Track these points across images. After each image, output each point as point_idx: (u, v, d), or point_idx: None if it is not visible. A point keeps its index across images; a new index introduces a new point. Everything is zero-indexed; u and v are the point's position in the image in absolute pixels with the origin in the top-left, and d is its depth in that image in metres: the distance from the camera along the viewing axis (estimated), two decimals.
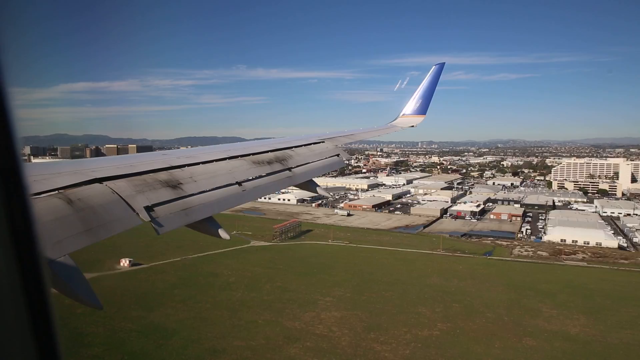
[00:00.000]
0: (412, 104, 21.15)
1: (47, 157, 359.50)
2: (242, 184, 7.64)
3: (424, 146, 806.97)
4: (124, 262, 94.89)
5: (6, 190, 1.45)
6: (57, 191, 4.76)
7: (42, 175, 5.08)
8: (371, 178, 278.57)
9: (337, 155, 11.85)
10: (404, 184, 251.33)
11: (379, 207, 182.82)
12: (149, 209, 5.52)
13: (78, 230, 4.48)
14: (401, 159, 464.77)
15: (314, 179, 10.17)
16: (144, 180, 6.02)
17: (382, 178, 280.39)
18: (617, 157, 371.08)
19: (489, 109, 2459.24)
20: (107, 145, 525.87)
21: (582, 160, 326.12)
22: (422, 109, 21.04)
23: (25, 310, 1.48)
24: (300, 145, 11.03)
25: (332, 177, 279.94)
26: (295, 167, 9.57)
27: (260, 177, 8.36)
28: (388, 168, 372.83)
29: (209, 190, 6.82)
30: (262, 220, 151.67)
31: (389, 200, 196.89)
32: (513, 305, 77.12)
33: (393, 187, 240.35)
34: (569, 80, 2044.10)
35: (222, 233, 6.57)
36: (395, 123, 20.55)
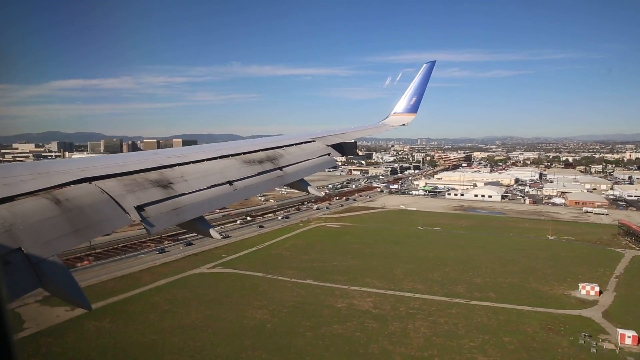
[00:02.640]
0: (403, 102, 21.22)
1: (85, 153, 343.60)
2: (233, 183, 7.61)
3: (423, 143, 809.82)
4: (589, 289, 70.78)
5: None
6: (45, 191, 4.72)
7: (30, 174, 5.02)
8: (482, 172, 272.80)
9: (328, 154, 11.87)
10: (537, 179, 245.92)
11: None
12: (139, 208, 5.48)
13: (66, 230, 4.44)
14: (464, 154, 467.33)
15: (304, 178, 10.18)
16: (134, 180, 5.98)
17: (511, 172, 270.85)
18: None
19: (483, 106, 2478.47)
20: (145, 140, 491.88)
21: None
22: (413, 108, 21.11)
23: None
24: (291, 145, 11.01)
25: (448, 171, 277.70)
26: (286, 167, 9.55)
27: (252, 176, 8.34)
28: (476, 163, 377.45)
29: (200, 190, 6.78)
30: (528, 222, 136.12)
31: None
32: None
33: (535, 182, 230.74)
34: (563, 77, 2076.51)
35: (214, 233, 6.55)
36: (386, 122, 20.59)
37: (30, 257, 3.84)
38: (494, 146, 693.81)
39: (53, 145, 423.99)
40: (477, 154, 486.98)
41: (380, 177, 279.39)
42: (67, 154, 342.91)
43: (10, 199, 4.34)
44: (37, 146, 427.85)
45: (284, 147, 10.53)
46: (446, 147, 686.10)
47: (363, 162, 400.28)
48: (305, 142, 11.84)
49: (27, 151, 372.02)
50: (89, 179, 5.38)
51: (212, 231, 6.55)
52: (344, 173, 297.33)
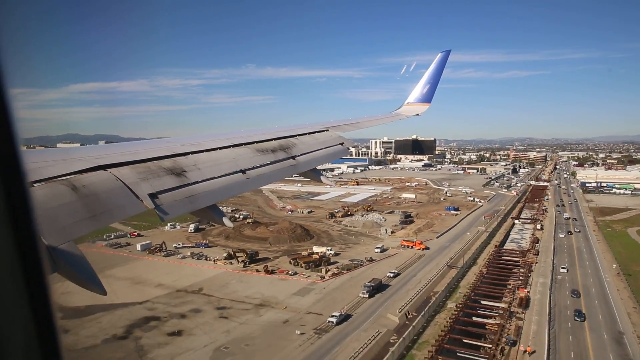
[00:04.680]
0: (417, 91, 20.87)
1: None
2: (246, 172, 7.64)
3: (442, 144, 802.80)
4: None
5: (5, 179, 1.47)
6: (62, 178, 4.78)
7: (47, 161, 5.09)
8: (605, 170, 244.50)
9: (341, 143, 11.80)
10: None
11: None
12: (153, 196, 5.54)
13: (82, 216, 4.51)
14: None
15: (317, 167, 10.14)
16: (148, 168, 6.03)
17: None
18: None
19: (500, 107, 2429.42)
20: None
21: None
22: (427, 97, 20.75)
23: (26, 299, 1.50)
24: (305, 134, 10.97)
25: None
26: (299, 156, 9.54)
27: (264, 165, 8.35)
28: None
29: (213, 178, 6.82)
30: None
31: None
32: None
33: None
34: (581, 78, 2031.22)
35: (226, 221, 6.59)
36: (400, 111, 20.30)
37: (47, 242, 3.91)
38: (521, 146, 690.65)
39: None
40: (565, 153, 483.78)
41: (507, 175, 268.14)
42: None
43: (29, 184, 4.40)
44: (81, 145, 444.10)
45: (297, 136, 10.50)
46: (468, 148, 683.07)
47: (447, 160, 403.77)
48: (318, 132, 11.78)
49: None
50: (104, 167, 5.44)
51: (224, 219, 6.58)
52: (461, 172, 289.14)
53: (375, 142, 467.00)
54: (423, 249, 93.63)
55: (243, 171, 7.59)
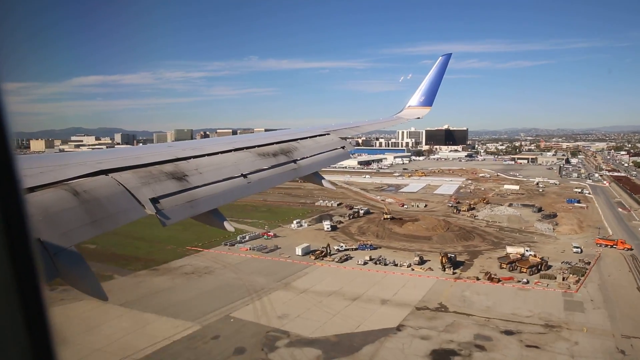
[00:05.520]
0: (418, 95, 20.96)
1: None
2: (247, 176, 7.64)
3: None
4: None
5: None
6: (63, 183, 4.78)
7: (49, 166, 5.09)
8: None
9: (343, 147, 11.82)
10: None
11: None
12: (154, 200, 5.53)
13: (84, 221, 4.50)
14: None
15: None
16: (150, 172, 6.03)
17: None
18: None
19: (503, 98, 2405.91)
20: (219, 130, 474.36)
21: None
22: (428, 101, 20.85)
23: (20, 305, 1.48)
24: (306, 138, 10.99)
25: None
26: (300, 160, 9.55)
27: (266, 169, 8.35)
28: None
29: (215, 182, 6.82)
30: None
31: None
32: None
33: None
34: (585, 67, 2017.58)
35: (227, 225, 6.58)
36: (401, 115, 20.39)
37: (48, 248, 3.90)
38: (529, 137, 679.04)
39: (117, 138, 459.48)
40: (580, 143, 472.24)
41: (564, 165, 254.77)
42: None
43: (31, 190, 4.41)
44: (96, 139, 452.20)
45: (299, 140, 10.52)
46: (474, 138, 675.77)
47: (481, 150, 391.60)
48: (320, 135, 11.79)
49: (97, 143, 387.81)
50: (105, 171, 5.44)
51: (226, 224, 6.58)
52: (512, 162, 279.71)
53: (402, 133, 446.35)
54: (628, 249, 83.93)
55: (244, 175, 7.59)
